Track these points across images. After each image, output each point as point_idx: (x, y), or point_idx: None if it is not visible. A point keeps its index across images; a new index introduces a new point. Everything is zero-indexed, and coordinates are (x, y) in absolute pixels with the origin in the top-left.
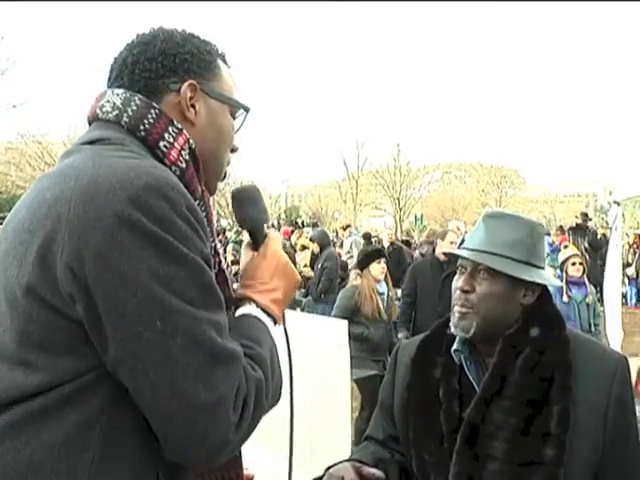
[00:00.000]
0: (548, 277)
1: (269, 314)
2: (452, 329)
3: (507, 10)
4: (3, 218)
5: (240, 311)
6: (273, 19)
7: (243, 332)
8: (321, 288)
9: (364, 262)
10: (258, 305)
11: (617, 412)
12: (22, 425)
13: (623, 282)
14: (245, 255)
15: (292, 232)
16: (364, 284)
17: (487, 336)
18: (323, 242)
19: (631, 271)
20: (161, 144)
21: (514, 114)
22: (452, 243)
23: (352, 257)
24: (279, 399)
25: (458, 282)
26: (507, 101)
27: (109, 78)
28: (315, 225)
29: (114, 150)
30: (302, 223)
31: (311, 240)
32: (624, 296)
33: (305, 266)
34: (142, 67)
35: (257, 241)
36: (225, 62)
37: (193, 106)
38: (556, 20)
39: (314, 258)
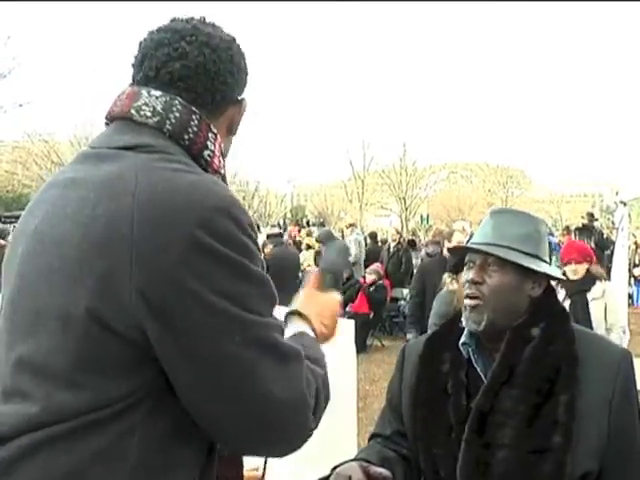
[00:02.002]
0: (554, 270)
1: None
2: (464, 322)
3: (512, 10)
4: (9, 217)
5: (295, 327)
6: (278, 18)
7: (302, 341)
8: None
9: (460, 265)
10: (311, 326)
11: (622, 402)
12: (65, 436)
13: (630, 282)
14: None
15: (299, 232)
16: (462, 289)
17: (496, 329)
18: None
19: (638, 271)
20: (205, 153)
21: (520, 114)
22: (459, 243)
23: (351, 255)
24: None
25: (468, 275)
26: (513, 101)
27: (163, 69)
28: (322, 225)
29: (163, 161)
30: (308, 223)
31: (316, 240)
32: (630, 296)
33: (309, 265)
34: (222, 78)
35: (331, 285)
36: None
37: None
38: (561, 20)
39: (318, 257)
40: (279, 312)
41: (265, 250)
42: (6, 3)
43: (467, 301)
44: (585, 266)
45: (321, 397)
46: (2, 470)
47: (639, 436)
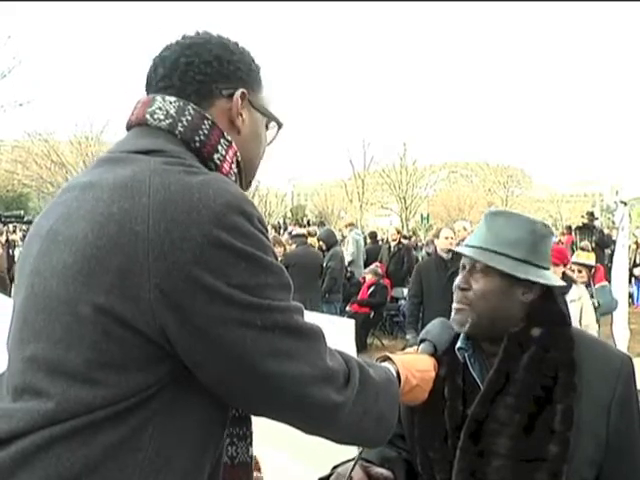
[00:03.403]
0: (548, 276)
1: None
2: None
3: (511, 10)
4: (9, 217)
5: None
6: (279, 18)
7: (374, 366)
8: (325, 287)
9: None
10: (398, 372)
11: (620, 410)
12: (80, 430)
13: (630, 282)
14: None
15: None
16: None
17: (488, 333)
18: (329, 241)
19: (638, 271)
20: (215, 156)
21: (521, 114)
22: (447, 238)
23: (347, 255)
24: (384, 434)
25: (457, 279)
26: (514, 101)
27: (153, 78)
28: (322, 224)
29: (174, 164)
30: (308, 222)
31: (318, 239)
32: (631, 296)
33: None
34: (197, 70)
35: (425, 350)
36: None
37: (240, 114)
38: (560, 20)
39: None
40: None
41: (287, 249)
42: (6, 2)
43: (454, 304)
44: (561, 268)
45: (354, 376)
46: (17, 465)
47: (639, 444)
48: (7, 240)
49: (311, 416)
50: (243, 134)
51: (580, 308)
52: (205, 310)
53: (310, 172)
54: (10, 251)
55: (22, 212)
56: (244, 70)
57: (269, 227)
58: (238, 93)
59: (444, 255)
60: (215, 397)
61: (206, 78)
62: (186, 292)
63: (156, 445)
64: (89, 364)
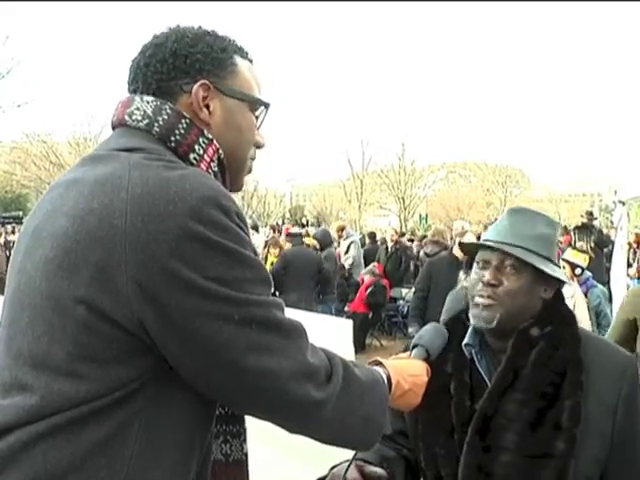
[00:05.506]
0: (563, 274)
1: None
2: (472, 320)
3: (509, 10)
4: (8, 218)
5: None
6: (278, 18)
7: (361, 368)
8: (319, 288)
9: (471, 263)
10: (389, 376)
11: (626, 409)
12: (66, 426)
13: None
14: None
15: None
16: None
17: (506, 329)
18: (325, 241)
19: (632, 271)
20: (191, 156)
21: (519, 113)
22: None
23: (349, 258)
24: (372, 435)
25: (483, 276)
26: (512, 100)
27: (127, 80)
28: (319, 225)
29: (154, 160)
30: (307, 222)
31: (314, 237)
32: None
33: None
34: (154, 69)
35: (418, 356)
36: (245, 57)
37: (207, 106)
38: (557, 19)
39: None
40: (296, 316)
41: (272, 250)
42: (4, 3)
43: (480, 300)
44: None
45: (337, 373)
46: (5, 461)
47: None
48: (6, 241)
49: (291, 413)
50: (215, 126)
51: (574, 305)
52: (181, 303)
53: (309, 172)
54: (8, 252)
55: (20, 213)
56: (206, 60)
57: (267, 228)
58: (197, 86)
59: (459, 255)
60: (200, 393)
61: (163, 76)
62: (162, 285)
63: (143, 441)
64: (71, 358)
